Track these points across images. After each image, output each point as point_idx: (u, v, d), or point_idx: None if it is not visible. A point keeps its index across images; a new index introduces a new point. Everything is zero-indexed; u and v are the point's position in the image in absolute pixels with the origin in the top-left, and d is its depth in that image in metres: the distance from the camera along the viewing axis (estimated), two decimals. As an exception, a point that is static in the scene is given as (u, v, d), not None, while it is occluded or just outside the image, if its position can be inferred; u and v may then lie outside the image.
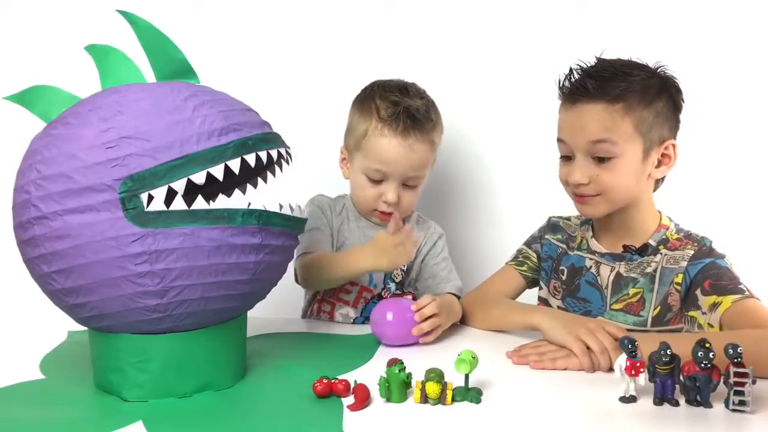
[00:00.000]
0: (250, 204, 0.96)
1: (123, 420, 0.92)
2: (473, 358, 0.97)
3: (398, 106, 1.33)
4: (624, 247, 1.27)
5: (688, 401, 0.94)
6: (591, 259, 1.31)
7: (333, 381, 0.99)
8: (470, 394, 0.97)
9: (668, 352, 0.92)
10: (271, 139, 1.02)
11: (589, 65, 1.23)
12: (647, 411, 0.93)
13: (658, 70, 1.23)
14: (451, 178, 1.69)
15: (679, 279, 1.21)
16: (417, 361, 1.02)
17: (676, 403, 0.94)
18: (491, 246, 1.66)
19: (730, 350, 0.90)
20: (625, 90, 1.18)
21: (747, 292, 1.14)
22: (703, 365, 0.91)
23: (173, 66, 1.05)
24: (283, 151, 1.04)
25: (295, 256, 1.38)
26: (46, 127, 1.00)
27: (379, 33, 1.67)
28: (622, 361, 0.95)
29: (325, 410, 0.95)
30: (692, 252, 1.21)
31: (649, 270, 1.24)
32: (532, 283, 1.41)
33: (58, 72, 1.36)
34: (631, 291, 1.25)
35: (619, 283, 1.26)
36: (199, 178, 0.92)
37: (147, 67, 1.05)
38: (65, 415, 0.95)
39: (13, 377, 1.07)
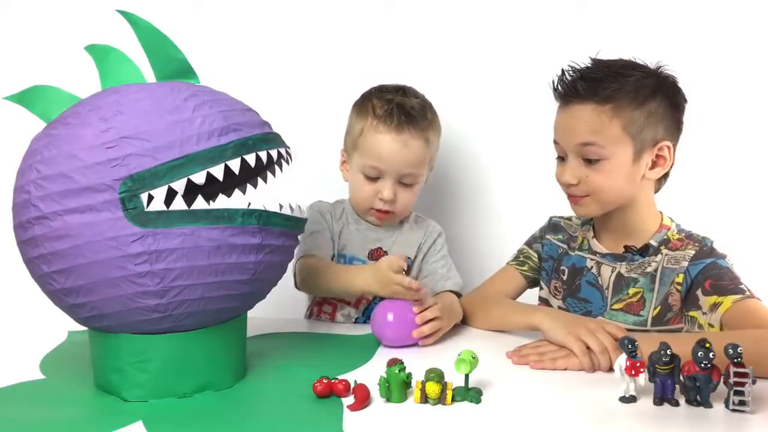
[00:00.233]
0: (250, 204, 0.96)
1: (123, 420, 0.92)
2: (473, 358, 0.97)
3: (392, 103, 1.35)
4: (625, 247, 1.27)
5: (688, 401, 0.94)
6: (592, 259, 1.31)
7: (333, 381, 0.99)
8: (470, 394, 0.97)
9: (668, 352, 0.92)
10: (271, 139, 1.02)
11: (582, 66, 1.23)
12: (647, 411, 0.93)
13: (658, 71, 1.23)
14: (448, 179, 1.69)
15: (679, 279, 1.21)
16: (417, 361, 1.02)
17: (676, 403, 0.94)
18: (491, 246, 1.66)
19: (730, 350, 0.90)
20: (616, 90, 1.18)
21: (748, 293, 1.14)
22: (703, 365, 0.91)
23: (173, 66, 1.05)
24: (283, 151, 1.04)
25: (295, 258, 1.38)
26: (46, 127, 1.00)
27: (377, 33, 1.67)
28: (622, 361, 0.95)
29: (325, 410, 0.95)
30: (693, 252, 1.21)
31: (649, 270, 1.24)
32: (532, 283, 1.41)
33: (58, 72, 1.36)
34: (631, 291, 1.25)
35: (620, 284, 1.26)
36: (199, 178, 0.92)
37: (147, 67, 1.05)
38: (65, 415, 0.95)
39: (13, 377, 1.07)
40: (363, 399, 0.95)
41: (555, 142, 1.26)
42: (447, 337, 1.24)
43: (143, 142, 0.91)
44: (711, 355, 0.90)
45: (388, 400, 0.97)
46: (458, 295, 1.39)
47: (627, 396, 0.96)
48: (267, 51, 1.70)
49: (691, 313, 1.19)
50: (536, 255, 1.40)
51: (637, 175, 1.21)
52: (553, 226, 1.40)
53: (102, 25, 1.30)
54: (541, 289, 1.40)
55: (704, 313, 1.16)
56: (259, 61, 1.69)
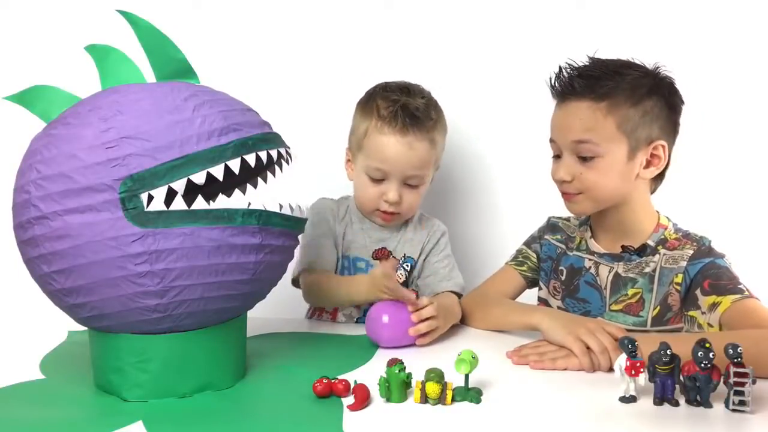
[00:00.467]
0: (250, 204, 0.96)
1: (123, 420, 0.92)
2: (473, 358, 0.97)
3: (397, 104, 1.34)
4: (623, 247, 1.27)
5: (688, 401, 0.94)
6: (590, 259, 1.31)
7: (333, 381, 0.99)
8: (470, 394, 0.97)
9: (668, 352, 0.92)
10: (271, 139, 1.02)
11: (580, 64, 1.23)
12: (647, 411, 0.93)
13: (656, 71, 1.23)
14: (452, 178, 1.69)
15: (678, 279, 1.21)
16: (417, 361, 1.02)
17: (676, 403, 0.94)
18: (494, 246, 1.65)
19: (730, 350, 0.90)
20: (613, 88, 1.18)
21: (746, 292, 1.14)
22: (703, 365, 0.91)
23: (173, 66, 1.05)
24: (283, 151, 1.04)
25: (296, 265, 1.38)
26: (46, 127, 1.00)
27: (379, 33, 1.67)
28: (622, 361, 0.95)
29: (325, 410, 0.95)
30: (691, 252, 1.21)
31: (647, 270, 1.24)
32: (532, 283, 1.41)
33: (58, 72, 1.36)
34: (630, 291, 1.25)
35: (617, 284, 1.26)
36: (199, 178, 0.92)
37: (147, 67, 1.05)
38: (65, 415, 0.95)
39: (13, 377, 1.07)
40: (363, 399, 0.95)
41: (551, 140, 1.26)
42: (447, 337, 1.24)
43: (143, 142, 0.91)
44: (711, 355, 0.90)
45: (388, 400, 0.97)
46: (459, 295, 1.39)
47: (627, 396, 0.96)
48: (267, 51, 1.70)
49: (691, 313, 1.19)
50: (535, 255, 1.40)
51: (632, 173, 1.21)
52: (552, 226, 1.40)
53: (102, 25, 1.30)
54: (540, 289, 1.40)
55: (703, 313, 1.16)
56: (259, 61, 1.69)
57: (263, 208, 0.97)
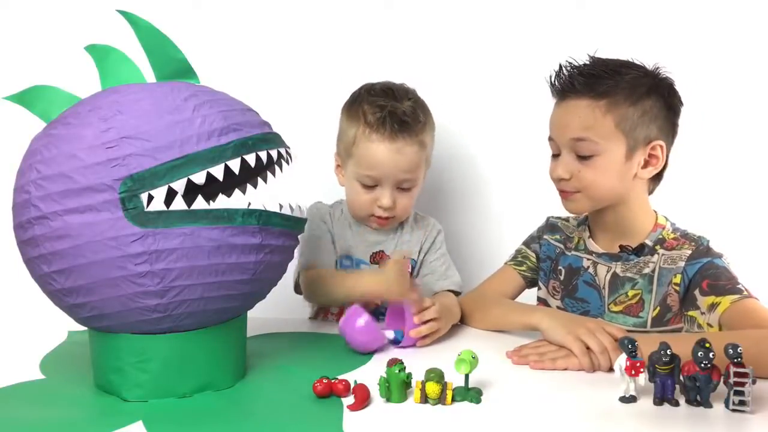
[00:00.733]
0: (250, 204, 0.96)
1: (123, 420, 0.92)
2: (473, 358, 0.97)
3: (384, 110, 1.32)
4: (621, 247, 1.27)
5: (688, 401, 0.94)
6: (588, 259, 1.31)
7: (333, 381, 0.99)
8: (470, 394, 0.97)
9: (668, 352, 0.92)
10: (271, 139, 1.02)
11: (580, 63, 1.23)
12: (647, 411, 0.93)
13: (656, 71, 1.23)
14: (447, 179, 1.69)
15: (677, 279, 1.21)
16: (417, 361, 1.02)
17: (676, 403, 0.94)
18: (489, 246, 1.66)
19: (730, 350, 0.90)
20: (612, 87, 1.18)
21: (745, 292, 1.14)
22: (703, 365, 0.91)
23: (173, 66, 1.05)
24: (283, 151, 1.04)
25: (297, 269, 1.38)
26: (46, 127, 1.00)
27: (376, 33, 1.67)
28: (622, 361, 0.95)
29: (325, 410, 0.95)
30: (689, 252, 1.21)
31: (646, 270, 1.24)
32: (531, 283, 1.41)
33: (58, 72, 1.36)
34: (630, 293, 1.25)
35: (615, 283, 1.26)
36: (199, 178, 0.92)
37: (147, 67, 1.05)
38: (65, 415, 0.95)
39: (13, 377, 1.07)
40: (363, 399, 0.95)
41: (550, 138, 1.27)
42: (447, 337, 1.24)
43: (143, 142, 0.91)
44: (711, 355, 0.90)
45: (388, 400, 0.97)
46: (457, 293, 1.39)
47: (627, 396, 0.96)
48: (267, 51, 1.70)
49: (691, 313, 1.19)
50: (534, 255, 1.40)
51: (629, 173, 1.21)
52: (551, 226, 1.40)
53: (102, 25, 1.30)
54: (539, 289, 1.40)
55: (703, 313, 1.16)
56: (259, 61, 1.69)
57: (263, 208, 0.97)
